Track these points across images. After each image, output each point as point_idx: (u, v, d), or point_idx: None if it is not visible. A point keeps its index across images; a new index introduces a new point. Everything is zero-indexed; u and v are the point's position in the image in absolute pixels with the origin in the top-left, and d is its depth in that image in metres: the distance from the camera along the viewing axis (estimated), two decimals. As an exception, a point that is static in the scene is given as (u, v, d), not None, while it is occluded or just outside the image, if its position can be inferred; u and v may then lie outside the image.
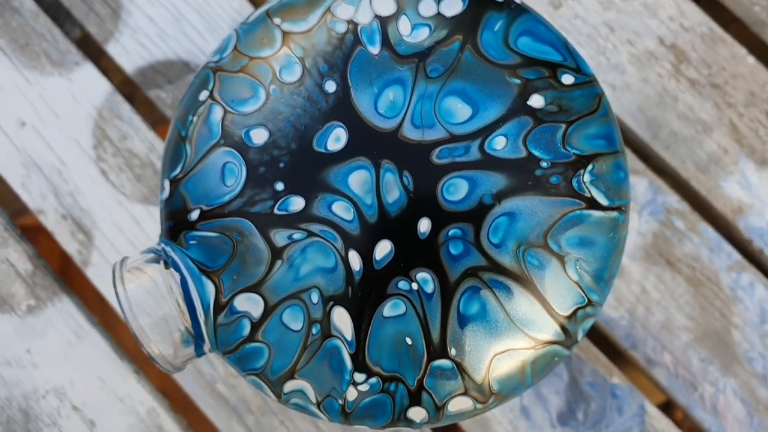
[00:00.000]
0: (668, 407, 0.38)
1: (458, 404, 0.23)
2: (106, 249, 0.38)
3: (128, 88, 0.41)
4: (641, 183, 0.37)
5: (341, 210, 0.22)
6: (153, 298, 0.24)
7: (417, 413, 0.23)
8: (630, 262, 0.36)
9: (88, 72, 0.39)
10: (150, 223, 0.38)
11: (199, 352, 0.25)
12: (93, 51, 0.41)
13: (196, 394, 0.36)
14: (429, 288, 0.22)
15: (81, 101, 0.39)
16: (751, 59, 0.38)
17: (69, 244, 0.38)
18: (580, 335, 0.24)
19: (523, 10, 0.25)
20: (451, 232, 0.22)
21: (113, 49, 0.39)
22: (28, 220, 0.45)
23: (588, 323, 0.24)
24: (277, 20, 0.24)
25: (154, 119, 0.40)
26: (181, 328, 0.25)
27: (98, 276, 0.37)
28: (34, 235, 0.42)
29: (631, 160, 0.37)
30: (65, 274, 0.41)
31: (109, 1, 0.40)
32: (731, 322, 0.36)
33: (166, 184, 0.24)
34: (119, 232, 0.38)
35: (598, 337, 0.37)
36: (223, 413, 0.36)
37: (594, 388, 0.35)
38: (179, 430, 0.36)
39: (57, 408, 0.36)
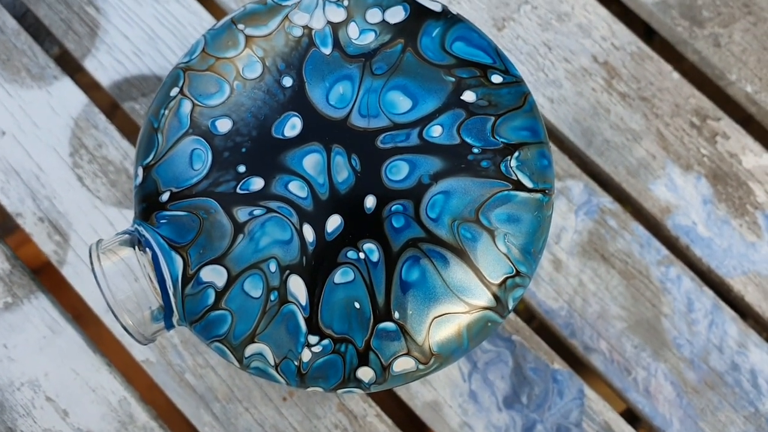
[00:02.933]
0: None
1: (402, 364, 0.26)
2: (82, 249, 0.40)
3: (104, 99, 0.43)
4: (578, 186, 0.40)
5: (296, 188, 0.25)
6: (125, 277, 0.27)
7: (365, 373, 0.26)
8: (568, 257, 0.39)
9: (66, 85, 0.42)
10: (123, 225, 0.40)
11: (168, 324, 0.27)
12: (71, 66, 0.44)
13: (166, 384, 0.38)
14: (374, 257, 0.25)
15: (59, 112, 0.41)
16: (675, 75, 0.42)
17: (46, 244, 0.40)
18: (510, 303, 0.27)
19: (458, 20, 0.28)
20: (393, 208, 0.25)
21: (90, 65, 0.42)
22: (13, 240, 0.47)
23: (517, 293, 0.27)
24: (241, 26, 0.27)
25: (129, 129, 0.43)
26: (152, 306, 0.27)
27: (74, 275, 0.40)
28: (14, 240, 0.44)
29: (568, 165, 0.41)
30: (42, 273, 0.44)
31: (87, 21, 0.43)
32: (661, 311, 0.39)
33: (140, 170, 0.27)
34: (94, 233, 0.40)
35: (540, 326, 0.40)
36: (191, 402, 0.38)
37: (537, 373, 0.38)
38: (149, 419, 0.38)
39: (31, 399, 0.38)
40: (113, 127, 0.41)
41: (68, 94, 0.42)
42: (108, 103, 0.44)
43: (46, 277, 0.43)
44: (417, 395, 0.38)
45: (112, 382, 0.38)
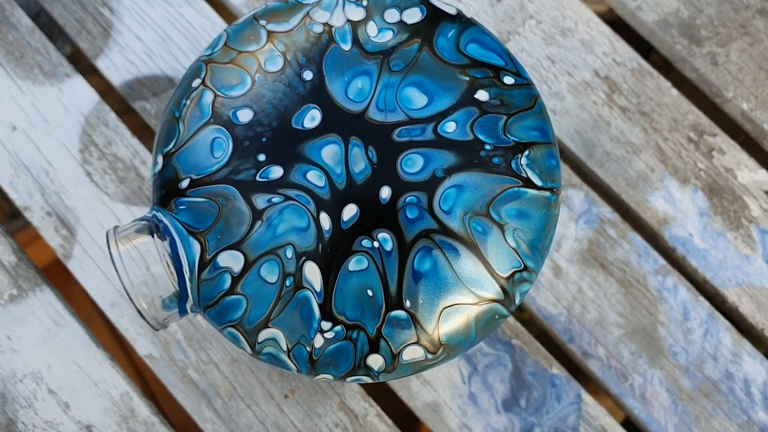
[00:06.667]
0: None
1: (411, 353, 0.27)
2: (88, 244, 0.40)
3: (115, 98, 0.44)
4: (578, 195, 0.41)
5: (314, 178, 0.26)
6: (138, 265, 0.27)
7: (375, 360, 0.26)
8: (568, 264, 0.40)
9: (78, 83, 0.43)
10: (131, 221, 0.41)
11: (182, 309, 0.28)
12: (83, 65, 0.45)
13: (168, 379, 0.39)
14: (388, 246, 0.26)
15: (70, 109, 0.42)
16: (674, 91, 0.43)
17: (52, 238, 0.40)
18: (518, 298, 0.28)
19: (472, 23, 0.29)
20: (408, 199, 0.26)
21: (102, 64, 0.43)
22: (21, 235, 0.47)
23: (524, 287, 0.28)
24: (263, 22, 0.28)
25: (139, 128, 0.44)
26: (163, 295, 0.28)
27: (79, 269, 0.40)
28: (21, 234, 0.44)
29: (569, 175, 0.42)
30: (48, 271, 0.44)
31: (100, 21, 0.44)
32: (657, 319, 0.40)
33: (160, 158, 0.28)
34: (101, 229, 0.40)
35: (539, 331, 0.40)
36: (193, 397, 0.38)
37: (535, 377, 0.39)
38: (150, 413, 0.38)
39: (33, 391, 0.38)
40: (123, 125, 0.42)
41: (80, 92, 0.42)
42: (119, 101, 0.44)
43: (52, 274, 0.43)
44: (417, 396, 0.38)
45: (115, 376, 0.38)
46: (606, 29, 0.44)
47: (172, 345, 0.39)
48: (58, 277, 0.45)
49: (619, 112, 0.43)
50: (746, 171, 0.42)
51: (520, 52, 0.43)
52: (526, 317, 0.44)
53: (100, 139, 0.42)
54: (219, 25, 0.44)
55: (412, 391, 0.39)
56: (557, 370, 0.39)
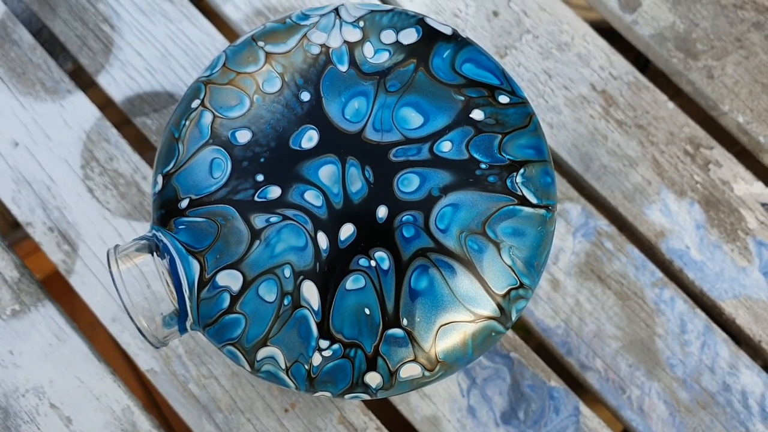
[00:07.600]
0: None
1: (409, 370, 0.27)
2: (90, 259, 0.41)
3: (116, 114, 0.44)
4: (575, 209, 0.42)
5: (312, 197, 0.26)
6: (139, 283, 0.28)
7: (373, 378, 0.27)
8: (565, 277, 0.40)
9: (79, 99, 0.43)
10: (132, 236, 0.41)
11: (182, 327, 0.28)
12: (84, 81, 0.45)
13: (169, 393, 0.39)
14: (385, 265, 0.26)
15: (71, 125, 0.43)
16: (670, 104, 0.43)
17: (54, 254, 0.41)
18: (514, 315, 0.28)
19: (468, 43, 0.30)
20: (404, 218, 0.26)
21: (103, 80, 0.43)
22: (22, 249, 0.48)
23: (520, 304, 0.28)
24: (261, 43, 0.29)
25: (140, 143, 0.44)
26: (163, 312, 0.28)
27: (81, 284, 0.40)
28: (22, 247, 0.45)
29: (566, 188, 0.42)
30: (49, 282, 0.44)
31: (101, 37, 0.44)
32: (655, 332, 0.40)
33: (159, 178, 0.28)
34: (103, 244, 0.41)
35: (538, 344, 0.40)
36: (194, 411, 0.39)
37: (534, 390, 0.39)
38: (152, 427, 0.38)
39: (36, 406, 0.39)
40: (124, 141, 0.42)
41: (81, 108, 0.43)
42: (120, 117, 0.45)
43: (53, 285, 0.43)
44: (417, 409, 0.39)
45: (116, 391, 0.39)
46: (602, 43, 0.44)
47: (173, 359, 0.39)
48: (60, 287, 0.45)
49: (615, 125, 0.43)
50: (742, 183, 0.42)
51: (517, 67, 0.44)
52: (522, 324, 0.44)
53: (101, 154, 0.42)
54: (219, 41, 0.44)
55: (412, 405, 0.39)
56: (555, 382, 0.39)
